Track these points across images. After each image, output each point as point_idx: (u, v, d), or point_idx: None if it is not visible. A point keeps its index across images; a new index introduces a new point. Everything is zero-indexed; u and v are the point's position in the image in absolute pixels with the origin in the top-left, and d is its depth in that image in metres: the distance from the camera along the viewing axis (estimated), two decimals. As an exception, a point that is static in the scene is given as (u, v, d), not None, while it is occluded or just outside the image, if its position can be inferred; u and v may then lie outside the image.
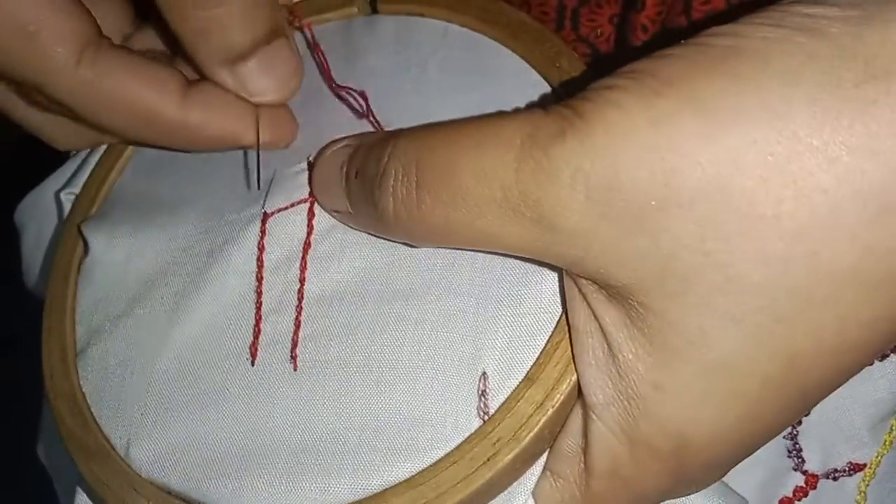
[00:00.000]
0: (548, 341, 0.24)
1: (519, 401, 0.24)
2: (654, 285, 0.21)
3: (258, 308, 0.27)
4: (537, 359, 0.24)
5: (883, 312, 0.20)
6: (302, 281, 0.27)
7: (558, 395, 0.24)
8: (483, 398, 0.24)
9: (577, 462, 0.24)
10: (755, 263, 0.20)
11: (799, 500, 0.31)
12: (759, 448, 0.24)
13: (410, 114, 0.28)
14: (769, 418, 0.22)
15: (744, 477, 0.31)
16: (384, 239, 0.26)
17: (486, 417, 0.24)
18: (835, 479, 0.30)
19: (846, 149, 0.19)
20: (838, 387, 0.22)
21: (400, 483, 0.24)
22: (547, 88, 0.28)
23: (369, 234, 0.27)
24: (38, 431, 0.38)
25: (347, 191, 0.26)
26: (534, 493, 0.24)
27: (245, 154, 0.30)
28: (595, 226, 0.21)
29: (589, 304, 0.23)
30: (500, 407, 0.24)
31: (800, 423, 0.31)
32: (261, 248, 0.27)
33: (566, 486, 0.24)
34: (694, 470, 0.23)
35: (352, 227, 0.27)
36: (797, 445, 0.31)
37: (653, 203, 0.20)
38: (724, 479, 0.30)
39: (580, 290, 0.23)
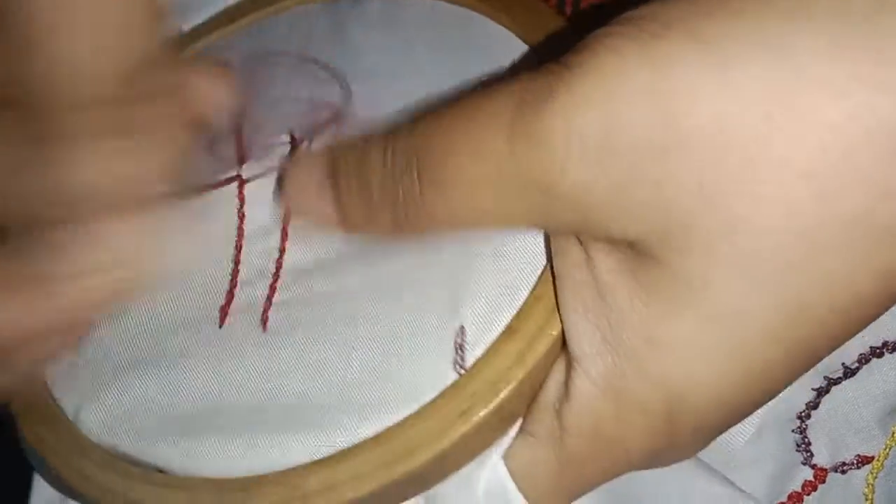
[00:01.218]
0: (529, 294, 0.24)
1: (497, 354, 0.23)
2: (657, 236, 0.20)
3: (234, 276, 0.26)
4: (517, 312, 0.24)
5: None
6: (282, 251, 0.26)
7: (539, 349, 0.23)
8: (460, 352, 0.23)
9: (553, 419, 0.23)
10: (760, 207, 0.19)
11: (808, 493, 0.30)
12: (754, 411, 0.23)
13: (399, 94, 0.28)
14: (771, 375, 0.21)
15: (752, 472, 0.31)
16: None
17: (463, 371, 0.23)
18: (843, 472, 0.30)
19: (857, 83, 0.18)
20: (844, 342, 0.21)
21: (368, 440, 0.23)
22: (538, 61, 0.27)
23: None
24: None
25: (336, 199, 0.24)
26: (505, 456, 0.24)
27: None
28: (594, 183, 0.20)
29: (586, 251, 0.22)
30: (476, 360, 0.23)
31: (809, 416, 0.31)
32: (241, 217, 0.27)
33: (538, 445, 0.23)
34: (685, 429, 0.22)
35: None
36: (806, 439, 0.31)
37: (652, 149, 0.19)
38: (733, 474, 0.30)
39: (576, 235, 0.22)
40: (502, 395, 0.23)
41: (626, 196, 0.20)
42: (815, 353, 0.21)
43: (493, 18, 0.29)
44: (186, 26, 0.33)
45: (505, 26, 0.29)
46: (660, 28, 0.19)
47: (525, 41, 0.28)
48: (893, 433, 0.30)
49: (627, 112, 0.19)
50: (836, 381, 0.31)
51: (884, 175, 0.18)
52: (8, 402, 0.27)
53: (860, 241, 0.19)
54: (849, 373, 0.30)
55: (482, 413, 0.22)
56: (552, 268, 0.23)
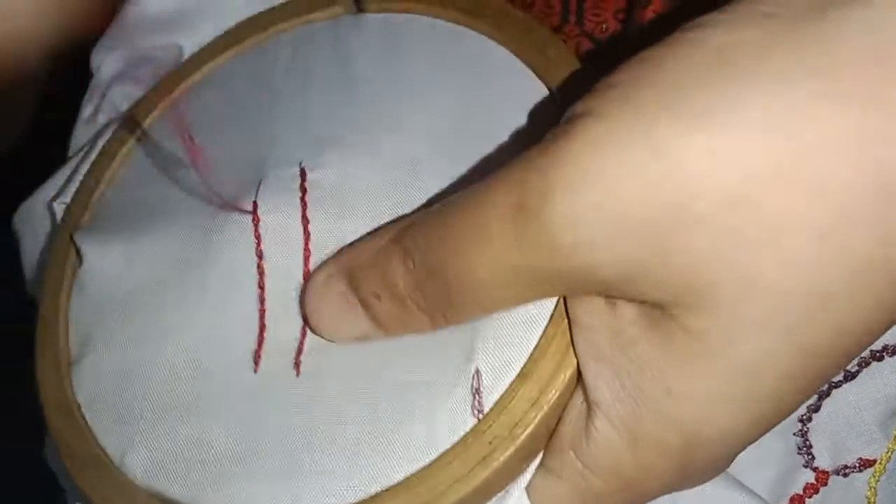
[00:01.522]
0: (542, 336, 0.24)
1: (513, 398, 0.23)
2: (677, 299, 0.20)
3: (261, 316, 0.27)
4: (531, 354, 0.24)
5: None
6: (304, 290, 0.27)
7: (553, 391, 0.23)
8: (477, 396, 0.24)
9: (574, 459, 0.23)
10: (778, 269, 0.19)
11: (810, 496, 0.31)
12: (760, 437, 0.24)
13: (400, 114, 0.28)
14: (784, 410, 0.22)
15: (754, 475, 0.31)
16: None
17: (481, 416, 0.24)
18: (845, 475, 0.30)
19: (862, 142, 0.18)
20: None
21: (396, 485, 0.24)
22: (535, 79, 0.28)
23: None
24: (42, 435, 0.37)
25: (372, 317, 0.25)
26: (528, 490, 0.24)
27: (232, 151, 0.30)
28: (606, 262, 0.20)
29: (607, 301, 0.22)
30: (494, 405, 0.24)
31: (810, 419, 0.31)
32: (259, 256, 0.27)
33: (562, 483, 0.24)
34: (701, 465, 0.23)
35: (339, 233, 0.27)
36: (807, 442, 0.31)
37: (667, 227, 0.19)
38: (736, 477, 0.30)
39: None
40: (521, 439, 0.23)
41: (642, 272, 0.20)
42: (825, 381, 0.22)
43: (490, 37, 0.29)
44: (189, 44, 0.33)
45: (500, 43, 0.29)
46: (651, 106, 0.19)
47: (521, 59, 0.28)
48: (895, 436, 0.30)
49: (636, 198, 0.19)
50: (837, 385, 0.31)
51: (891, 224, 0.19)
52: (58, 448, 0.27)
53: (873, 287, 0.20)
54: (849, 376, 0.30)
55: (502, 458, 0.23)
56: (566, 310, 0.24)
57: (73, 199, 0.32)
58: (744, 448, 0.23)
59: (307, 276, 0.27)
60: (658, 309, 0.21)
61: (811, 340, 0.20)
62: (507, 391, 0.24)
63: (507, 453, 0.23)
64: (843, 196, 0.19)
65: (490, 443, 0.23)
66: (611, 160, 0.19)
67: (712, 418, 0.21)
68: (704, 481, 0.25)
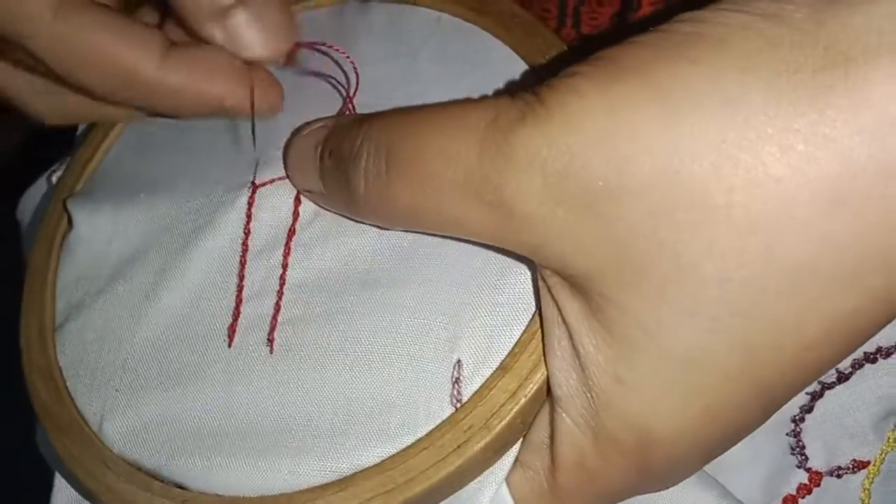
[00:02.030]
0: (524, 331, 0.24)
1: (492, 389, 0.24)
2: (611, 275, 0.21)
3: (239, 291, 0.27)
4: (512, 348, 0.24)
5: (844, 307, 0.20)
6: (285, 266, 0.27)
7: (531, 385, 0.24)
8: (457, 385, 0.24)
9: (545, 454, 0.24)
10: (708, 255, 0.19)
11: (803, 497, 0.31)
12: (726, 449, 0.24)
13: (399, 101, 0.28)
14: (731, 415, 0.22)
15: (747, 474, 0.31)
16: (366, 225, 0.27)
17: (459, 405, 0.24)
18: (839, 476, 0.30)
19: (800, 136, 0.18)
20: (804, 387, 0.22)
21: (369, 467, 0.24)
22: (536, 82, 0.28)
23: (348, 219, 0.27)
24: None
25: (321, 171, 0.26)
26: (507, 483, 0.25)
27: (234, 131, 0.31)
28: (551, 212, 0.20)
29: (552, 295, 0.23)
30: (472, 395, 0.24)
31: (803, 419, 0.31)
32: (246, 233, 0.28)
33: (534, 477, 0.24)
34: (658, 466, 0.23)
35: (327, 210, 0.27)
36: (800, 443, 0.31)
37: (606, 191, 0.20)
38: (727, 475, 0.30)
39: (545, 280, 0.23)
40: (496, 430, 0.23)
41: (581, 228, 0.20)
42: (774, 395, 0.22)
43: (493, 33, 0.29)
44: None
45: (504, 42, 0.29)
46: (619, 71, 0.20)
47: (522, 58, 0.29)
48: (889, 438, 0.30)
49: (584, 152, 0.20)
50: (830, 386, 0.31)
51: (825, 226, 0.19)
52: (36, 410, 0.28)
53: (805, 288, 0.19)
54: (842, 377, 0.31)
55: (477, 447, 0.23)
56: (539, 309, 0.24)
57: (67, 168, 0.33)
58: (703, 456, 0.23)
59: (287, 254, 0.27)
60: (595, 294, 0.21)
61: (746, 336, 0.20)
62: (486, 382, 0.24)
63: (482, 443, 0.23)
64: (775, 191, 0.19)
65: (466, 431, 0.23)
66: (575, 121, 0.20)
67: (658, 411, 0.21)
68: (672, 484, 0.25)
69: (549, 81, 0.21)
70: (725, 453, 0.31)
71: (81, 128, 0.37)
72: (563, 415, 0.23)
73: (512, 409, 0.24)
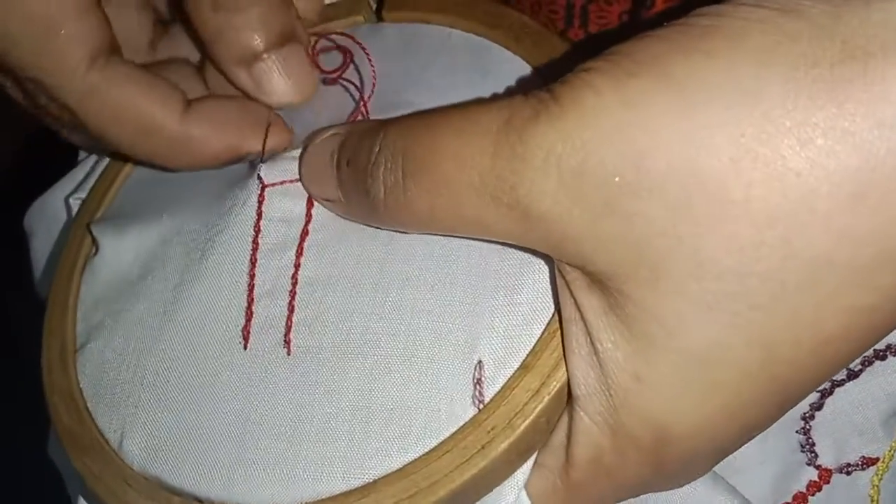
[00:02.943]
0: (544, 330, 0.24)
1: (514, 389, 0.24)
2: (630, 271, 0.20)
3: (250, 290, 0.27)
4: (533, 347, 0.24)
5: (861, 301, 0.20)
6: (297, 266, 0.27)
7: (554, 383, 0.24)
8: (478, 386, 0.24)
9: (561, 452, 0.24)
10: (727, 249, 0.19)
11: (813, 494, 0.31)
12: (739, 447, 0.24)
13: (409, 110, 0.29)
14: (749, 411, 0.22)
15: (757, 472, 0.31)
16: (379, 229, 0.26)
17: (481, 406, 0.24)
18: (848, 473, 0.30)
19: (819, 130, 0.18)
20: (821, 383, 0.22)
21: (392, 472, 0.24)
22: None
23: (365, 224, 0.27)
24: (46, 432, 0.38)
25: (339, 179, 0.26)
26: (526, 487, 0.24)
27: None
28: (568, 210, 0.20)
29: (571, 293, 0.23)
30: (495, 395, 0.24)
31: (813, 417, 0.31)
32: (257, 231, 0.28)
33: (549, 475, 0.24)
34: (674, 463, 0.23)
35: (343, 217, 0.27)
36: (810, 440, 0.31)
37: (623, 187, 0.20)
38: (738, 475, 0.30)
39: (564, 277, 0.23)
40: (520, 430, 0.23)
41: (598, 227, 0.20)
42: (790, 391, 0.22)
43: (505, 46, 0.29)
44: None
45: (516, 53, 0.29)
46: (635, 66, 0.20)
47: (533, 67, 0.29)
48: (898, 435, 0.30)
49: (600, 148, 0.20)
50: (840, 383, 0.31)
51: (844, 219, 0.19)
52: (57, 431, 0.28)
53: (823, 282, 0.19)
54: (852, 375, 0.31)
55: (501, 448, 0.23)
56: (558, 307, 0.24)
57: (90, 193, 0.33)
58: (718, 453, 0.23)
59: (300, 254, 0.27)
60: (615, 290, 0.21)
61: (762, 331, 0.20)
62: (508, 382, 0.24)
63: (506, 443, 0.23)
64: (794, 185, 0.19)
65: (489, 432, 0.23)
66: (591, 117, 0.20)
67: (677, 408, 0.21)
68: (686, 482, 0.25)
69: (563, 78, 0.21)
70: (735, 453, 0.31)
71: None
72: (582, 413, 0.23)
73: (535, 407, 0.23)
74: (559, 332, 0.24)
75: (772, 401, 0.22)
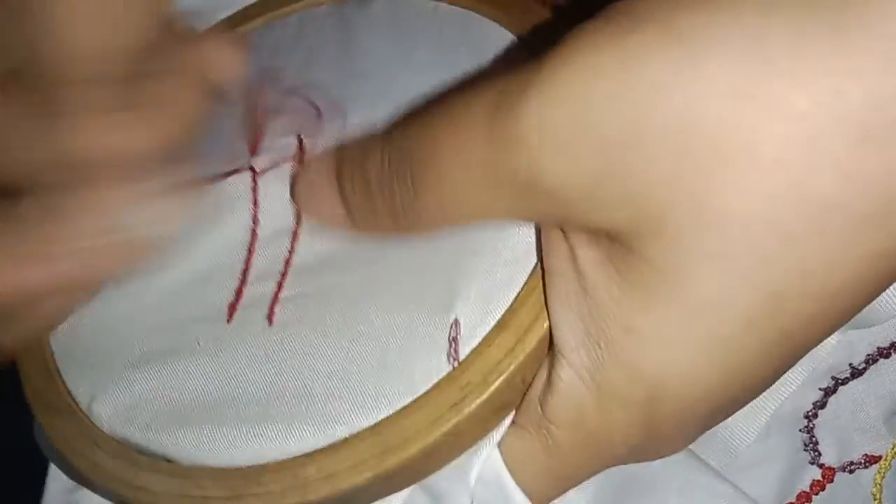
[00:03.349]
0: (522, 288, 0.24)
1: (490, 346, 0.23)
2: (633, 226, 0.20)
3: (244, 274, 0.27)
4: (510, 305, 0.24)
5: (872, 248, 0.19)
6: (291, 251, 0.27)
7: (530, 340, 0.23)
8: (454, 344, 0.24)
9: (539, 411, 0.23)
10: (733, 196, 0.19)
11: (816, 493, 0.30)
12: (739, 408, 0.23)
13: (398, 91, 0.28)
14: (751, 367, 0.21)
15: (761, 471, 0.31)
16: None
17: (456, 363, 0.23)
18: (851, 471, 0.30)
19: (823, 71, 0.18)
20: (827, 336, 0.21)
21: (363, 429, 0.23)
22: None
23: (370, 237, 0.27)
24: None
25: (348, 204, 0.25)
26: (500, 446, 0.24)
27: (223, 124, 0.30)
28: (569, 176, 0.20)
29: (569, 243, 0.22)
30: (470, 353, 0.23)
31: (816, 416, 0.31)
32: (255, 220, 0.27)
33: (529, 438, 0.23)
34: (666, 423, 0.22)
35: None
36: (813, 439, 0.31)
37: (625, 142, 0.19)
38: (741, 475, 0.30)
39: (561, 228, 0.22)
40: (494, 386, 0.23)
41: (601, 188, 0.20)
42: (796, 345, 0.21)
43: (492, 19, 0.29)
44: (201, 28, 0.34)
45: (503, 25, 0.29)
46: (633, 23, 0.19)
47: (520, 38, 0.28)
48: (901, 432, 0.30)
49: (598, 107, 0.19)
50: (844, 381, 0.30)
51: (853, 161, 0.18)
52: (26, 394, 0.28)
53: (833, 228, 0.19)
54: (856, 373, 0.30)
55: (474, 404, 0.23)
56: (541, 263, 0.24)
57: None
58: (714, 414, 0.22)
59: (295, 239, 0.27)
60: (617, 243, 0.21)
61: (771, 281, 0.19)
62: (483, 340, 0.23)
63: (480, 399, 0.23)
64: (799, 126, 0.18)
65: (462, 388, 0.23)
66: (586, 77, 0.19)
67: (671, 362, 0.21)
68: (675, 450, 0.24)
69: (557, 43, 0.20)
70: (739, 453, 0.31)
71: None
72: (567, 367, 0.22)
73: (510, 364, 0.23)
74: (537, 289, 0.24)
75: (775, 356, 0.21)
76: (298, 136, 0.28)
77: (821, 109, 0.18)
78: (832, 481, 0.31)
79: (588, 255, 0.21)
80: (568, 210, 0.21)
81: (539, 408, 0.23)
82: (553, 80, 0.20)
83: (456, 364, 0.23)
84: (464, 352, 0.23)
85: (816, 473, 0.31)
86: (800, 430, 0.31)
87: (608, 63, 0.19)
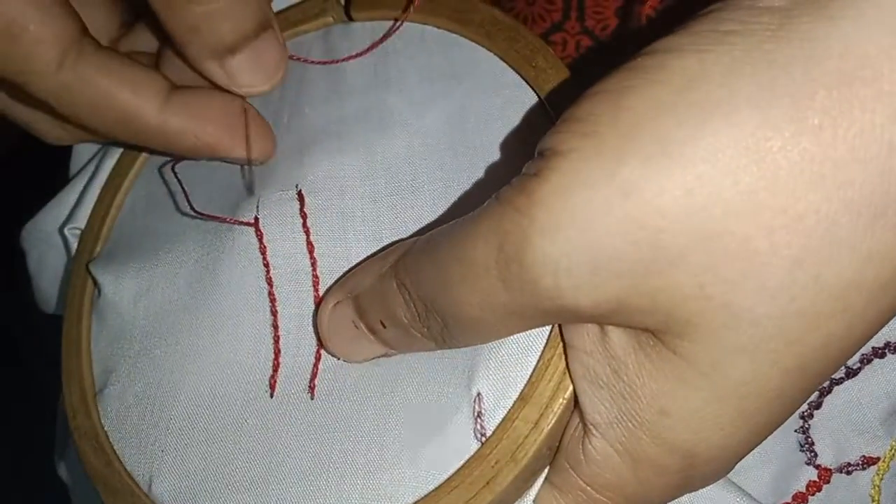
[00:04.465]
0: (539, 358, 0.24)
1: (514, 420, 0.24)
2: (664, 327, 0.21)
3: (276, 342, 0.27)
4: (530, 377, 0.24)
5: (889, 305, 0.20)
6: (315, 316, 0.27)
7: (553, 413, 0.24)
8: (479, 419, 0.24)
9: (575, 476, 0.24)
10: (759, 297, 0.19)
11: (813, 494, 0.30)
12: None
13: (395, 132, 0.29)
14: (779, 422, 0.22)
15: (757, 472, 0.31)
16: None
17: (484, 439, 0.24)
18: (848, 472, 0.30)
19: (830, 163, 0.18)
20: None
21: None
22: (525, 87, 0.28)
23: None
24: (52, 445, 0.38)
25: (382, 341, 0.25)
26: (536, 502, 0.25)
27: (233, 175, 0.31)
28: (595, 302, 0.21)
29: (601, 327, 0.23)
30: (496, 428, 0.24)
31: (811, 416, 0.31)
32: (269, 283, 0.28)
33: (565, 497, 0.24)
34: (699, 481, 0.23)
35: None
36: (809, 439, 0.30)
37: (645, 265, 0.20)
38: (738, 475, 0.30)
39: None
40: (523, 462, 0.23)
41: (627, 305, 0.20)
42: (815, 388, 0.22)
43: (479, 44, 0.29)
44: None
45: (490, 51, 0.29)
46: (619, 140, 0.19)
47: (509, 64, 0.29)
48: (898, 434, 0.30)
49: (603, 233, 0.19)
50: (839, 381, 0.30)
51: (866, 241, 0.19)
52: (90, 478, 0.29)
53: (854, 303, 0.20)
54: (851, 373, 0.30)
55: (506, 481, 0.23)
56: (561, 334, 0.24)
57: (85, 229, 0.33)
58: (740, 459, 0.23)
59: (318, 301, 0.27)
60: (647, 333, 0.21)
61: (800, 359, 0.20)
62: (507, 414, 0.24)
63: (511, 476, 0.23)
64: (815, 220, 0.19)
65: (493, 466, 0.23)
66: (581, 202, 0.20)
67: (707, 439, 0.22)
68: (701, 488, 0.25)
69: (536, 173, 0.20)
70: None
71: (74, 161, 0.37)
72: (600, 440, 0.23)
73: (536, 439, 0.24)
74: (554, 359, 0.24)
75: (799, 404, 0.22)
76: (299, 192, 0.28)
77: (834, 202, 0.18)
78: (829, 482, 0.30)
79: (619, 339, 0.22)
80: (597, 320, 0.22)
81: (572, 472, 0.24)
82: (557, 225, 0.20)
83: (483, 440, 0.24)
84: (489, 426, 0.24)
85: (813, 474, 0.31)
86: (795, 431, 0.31)
87: (609, 197, 0.19)
